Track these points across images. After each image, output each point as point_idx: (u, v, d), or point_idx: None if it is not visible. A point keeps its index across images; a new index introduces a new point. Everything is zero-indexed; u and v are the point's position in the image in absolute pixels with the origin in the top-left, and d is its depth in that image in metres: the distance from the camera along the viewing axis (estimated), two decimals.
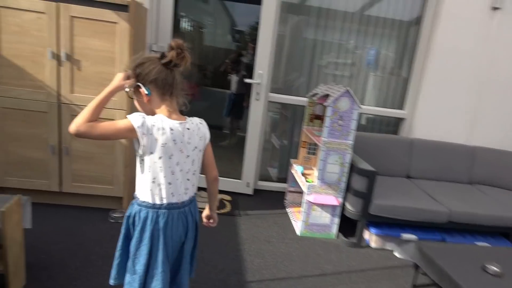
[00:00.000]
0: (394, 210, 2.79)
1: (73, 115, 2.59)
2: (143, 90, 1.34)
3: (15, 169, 2.68)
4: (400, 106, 3.83)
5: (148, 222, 1.35)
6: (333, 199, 2.87)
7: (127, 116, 1.31)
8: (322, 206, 2.91)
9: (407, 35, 3.70)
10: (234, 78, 3.99)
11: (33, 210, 2.64)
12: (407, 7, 3.62)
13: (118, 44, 2.59)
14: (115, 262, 1.44)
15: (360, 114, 3.86)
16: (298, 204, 3.41)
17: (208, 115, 4.23)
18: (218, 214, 3.05)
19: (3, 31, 2.50)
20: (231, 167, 3.72)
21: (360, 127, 3.87)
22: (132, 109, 1.54)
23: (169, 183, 1.37)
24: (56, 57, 2.55)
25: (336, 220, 2.95)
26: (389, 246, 2.92)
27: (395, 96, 3.83)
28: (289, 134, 3.92)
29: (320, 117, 3.34)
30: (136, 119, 1.29)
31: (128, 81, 1.37)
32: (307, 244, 2.82)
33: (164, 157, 1.34)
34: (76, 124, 1.25)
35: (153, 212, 1.36)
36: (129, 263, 1.39)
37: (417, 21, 3.64)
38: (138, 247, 1.36)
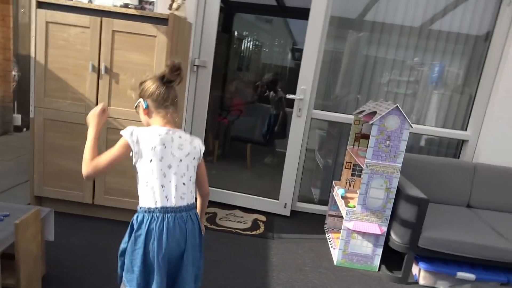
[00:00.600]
0: (448, 244, 2.42)
1: (109, 128, 2.65)
2: (142, 104, 1.51)
3: (52, 180, 2.75)
4: (463, 127, 3.41)
5: (143, 225, 1.40)
6: (376, 228, 2.57)
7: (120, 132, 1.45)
8: (363, 234, 2.61)
9: (475, 50, 3.32)
10: (272, 98, 3.86)
11: (65, 221, 2.70)
12: (475, 20, 3.25)
13: (156, 58, 2.58)
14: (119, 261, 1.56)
15: (418, 136, 3.51)
16: (339, 230, 3.13)
17: (254, 130, 4.19)
18: (251, 235, 2.90)
19: (50, 46, 2.61)
20: (270, 186, 3.55)
21: (416, 149, 3.53)
22: None
23: (162, 186, 1.42)
24: (97, 70, 2.60)
25: (379, 251, 2.63)
26: (441, 284, 2.53)
27: (458, 115, 3.43)
28: (334, 154, 3.67)
29: (366, 136, 3.06)
30: (125, 131, 1.44)
31: (105, 113, 1.57)
32: (344, 276, 2.54)
33: (154, 160, 1.42)
34: (85, 170, 1.40)
35: (148, 216, 1.41)
36: (127, 262, 1.46)
37: (487, 36, 3.25)
38: (133, 249, 1.43)
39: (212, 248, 2.64)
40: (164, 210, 1.41)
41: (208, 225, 2.98)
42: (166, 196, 1.42)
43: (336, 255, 2.70)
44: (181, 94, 3.07)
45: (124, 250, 1.48)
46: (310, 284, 2.37)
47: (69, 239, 2.48)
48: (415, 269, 2.62)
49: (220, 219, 3.12)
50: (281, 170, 3.35)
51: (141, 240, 1.40)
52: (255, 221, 3.16)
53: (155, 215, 1.40)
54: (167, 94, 1.47)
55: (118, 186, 2.73)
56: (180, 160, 1.46)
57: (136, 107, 1.55)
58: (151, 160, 1.41)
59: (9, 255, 1.72)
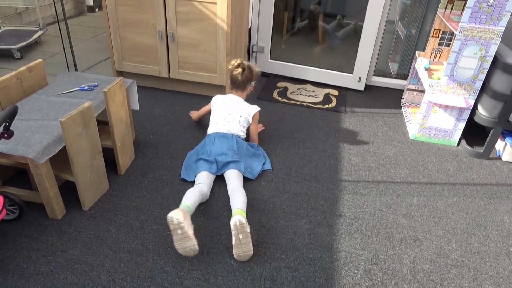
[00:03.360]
0: None
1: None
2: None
3: (130, 55, 2.85)
4: None
5: None
6: (462, 101, 2.36)
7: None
8: (446, 108, 2.44)
9: None
10: None
11: (147, 94, 2.87)
12: None
13: None
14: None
15: None
16: (418, 105, 2.96)
17: (327, 2, 3.79)
18: (322, 109, 2.87)
19: None
20: (344, 60, 3.35)
21: None
22: None
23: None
24: None
25: (461, 126, 2.47)
26: None
27: None
28: (420, 22, 3.25)
29: None
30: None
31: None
32: (419, 149, 2.48)
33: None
34: None
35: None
36: None
37: None
38: None
39: (284, 120, 2.69)
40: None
41: (280, 98, 2.99)
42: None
43: (412, 129, 2.60)
44: None
45: None
46: (382, 155, 2.37)
47: (151, 109, 2.68)
48: (499, 145, 2.46)
49: (291, 93, 3.10)
50: (355, 45, 3.09)
51: None
52: (327, 95, 3.09)
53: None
54: (235, 79, 2.26)
55: (190, 60, 2.76)
56: (229, 114, 2.23)
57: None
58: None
59: (104, 122, 1.91)
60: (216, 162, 1.99)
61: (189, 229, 1.50)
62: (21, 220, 1.69)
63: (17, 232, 1.63)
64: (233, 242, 1.54)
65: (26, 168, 1.69)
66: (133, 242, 1.63)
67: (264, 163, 2.18)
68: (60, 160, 1.69)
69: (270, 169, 2.16)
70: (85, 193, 1.75)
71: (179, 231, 1.49)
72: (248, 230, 1.55)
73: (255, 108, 2.24)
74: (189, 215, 1.58)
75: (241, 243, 1.52)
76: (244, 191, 1.82)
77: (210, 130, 2.20)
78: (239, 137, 2.17)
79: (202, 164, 1.98)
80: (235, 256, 1.56)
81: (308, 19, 3.63)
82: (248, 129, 2.27)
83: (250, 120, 2.22)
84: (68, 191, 1.78)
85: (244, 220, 1.53)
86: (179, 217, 1.48)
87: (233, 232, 1.53)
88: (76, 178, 1.67)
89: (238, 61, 2.21)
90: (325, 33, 3.63)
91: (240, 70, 2.20)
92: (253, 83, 2.31)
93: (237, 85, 2.25)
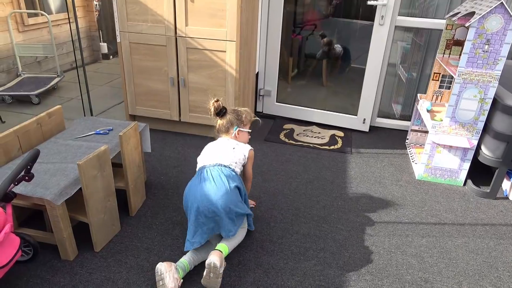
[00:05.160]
0: None
1: (188, 48, 2.73)
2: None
3: (143, 99, 2.99)
4: None
5: None
6: (465, 141, 2.42)
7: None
8: (450, 148, 2.49)
9: None
10: None
11: (158, 136, 2.97)
12: None
13: None
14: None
15: None
16: (423, 145, 3.01)
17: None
18: (328, 150, 2.93)
19: None
20: (347, 103, 3.46)
21: None
22: None
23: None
24: None
25: (466, 166, 2.51)
26: None
27: None
28: (420, 66, 3.39)
29: (460, 43, 2.75)
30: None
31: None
32: (426, 189, 2.50)
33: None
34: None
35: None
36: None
37: None
38: None
39: (291, 161, 2.74)
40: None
41: (286, 140, 3.07)
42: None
43: (417, 169, 2.64)
44: (254, 11, 2.99)
45: None
46: (389, 196, 2.39)
47: (162, 152, 2.76)
48: (505, 185, 2.47)
49: (297, 134, 3.18)
50: (359, 87, 3.21)
51: None
52: (332, 137, 3.17)
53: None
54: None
55: (200, 103, 2.88)
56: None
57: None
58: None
59: (117, 164, 1.98)
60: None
61: (170, 283, 1.53)
62: (34, 261, 1.72)
63: (31, 273, 1.66)
64: (204, 274, 1.57)
65: (42, 210, 1.75)
66: (144, 284, 1.64)
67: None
68: (75, 202, 1.74)
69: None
70: (98, 234, 1.78)
71: (161, 283, 1.54)
72: (222, 271, 1.58)
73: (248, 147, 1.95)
74: (179, 270, 1.60)
75: (210, 279, 1.56)
76: (242, 232, 1.83)
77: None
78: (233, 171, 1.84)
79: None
80: (202, 281, 1.59)
81: (322, 52, 3.75)
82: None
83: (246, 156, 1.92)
84: (81, 232, 1.82)
85: (218, 263, 1.54)
86: (162, 268, 1.55)
87: (206, 269, 1.56)
88: (89, 219, 1.72)
89: (216, 99, 1.89)
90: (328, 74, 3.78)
91: (212, 108, 1.89)
92: (243, 130, 1.95)
93: (217, 129, 1.97)
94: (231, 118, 1.93)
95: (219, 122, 1.94)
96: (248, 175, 1.99)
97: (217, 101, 1.88)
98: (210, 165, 1.79)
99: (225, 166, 1.79)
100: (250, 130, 2.02)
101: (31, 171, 1.49)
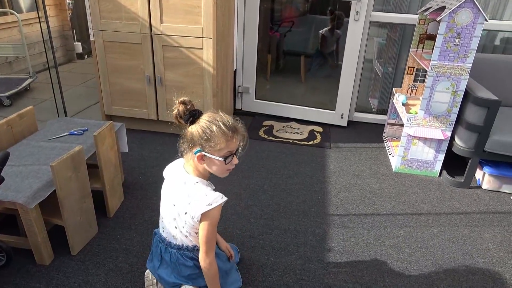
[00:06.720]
0: None
1: (164, 46, 2.69)
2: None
3: (119, 99, 2.93)
4: None
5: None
6: (439, 133, 2.48)
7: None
8: (425, 140, 2.55)
9: None
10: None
11: (136, 136, 2.92)
12: None
13: None
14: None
15: (492, 34, 3.15)
16: (399, 138, 3.07)
17: (307, 43, 4.00)
18: (308, 145, 2.96)
19: None
20: (326, 99, 3.49)
21: (489, 49, 3.20)
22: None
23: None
24: None
25: (441, 157, 2.57)
26: (506, 188, 2.46)
27: None
28: (395, 61, 3.45)
29: (433, 37, 2.81)
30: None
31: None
32: (403, 181, 2.55)
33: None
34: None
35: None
36: None
37: None
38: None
39: (270, 157, 2.75)
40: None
41: (266, 136, 3.07)
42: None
43: (394, 161, 2.69)
44: (230, 8, 2.97)
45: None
46: (367, 188, 2.43)
47: (140, 151, 2.72)
48: (478, 174, 2.55)
49: (277, 131, 3.19)
50: (336, 83, 3.25)
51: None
52: (311, 132, 3.19)
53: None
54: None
55: None
56: (173, 205, 1.39)
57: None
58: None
59: (93, 165, 1.94)
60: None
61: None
62: (8, 268, 1.66)
63: (4, 280, 1.60)
64: None
65: (15, 214, 1.69)
66: (123, 286, 1.61)
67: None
68: (50, 205, 1.69)
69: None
70: (74, 237, 1.74)
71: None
72: None
73: (207, 203, 1.26)
74: None
75: None
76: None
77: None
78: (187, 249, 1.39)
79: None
80: None
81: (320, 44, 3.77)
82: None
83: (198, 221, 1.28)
84: (56, 235, 1.77)
85: None
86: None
87: None
88: (65, 222, 1.67)
89: (183, 99, 1.27)
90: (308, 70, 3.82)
91: (175, 112, 1.28)
92: (210, 156, 1.26)
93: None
94: (195, 131, 1.25)
95: (187, 131, 1.29)
96: (202, 259, 1.31)
97: (184, 102, 1.26)
98: (163, 238, 1.42)
99: (177, 249, 1.35)
100: (222, 159, 1.26)
101: (1, 174, 1.44)
